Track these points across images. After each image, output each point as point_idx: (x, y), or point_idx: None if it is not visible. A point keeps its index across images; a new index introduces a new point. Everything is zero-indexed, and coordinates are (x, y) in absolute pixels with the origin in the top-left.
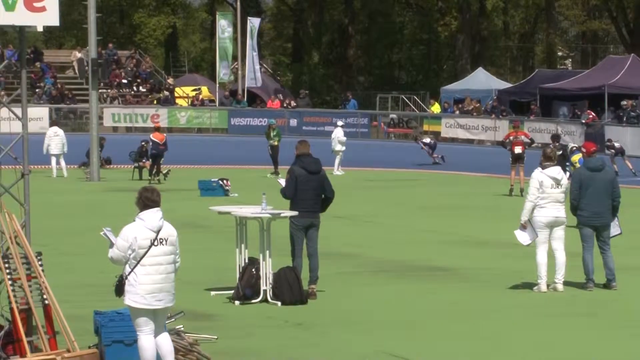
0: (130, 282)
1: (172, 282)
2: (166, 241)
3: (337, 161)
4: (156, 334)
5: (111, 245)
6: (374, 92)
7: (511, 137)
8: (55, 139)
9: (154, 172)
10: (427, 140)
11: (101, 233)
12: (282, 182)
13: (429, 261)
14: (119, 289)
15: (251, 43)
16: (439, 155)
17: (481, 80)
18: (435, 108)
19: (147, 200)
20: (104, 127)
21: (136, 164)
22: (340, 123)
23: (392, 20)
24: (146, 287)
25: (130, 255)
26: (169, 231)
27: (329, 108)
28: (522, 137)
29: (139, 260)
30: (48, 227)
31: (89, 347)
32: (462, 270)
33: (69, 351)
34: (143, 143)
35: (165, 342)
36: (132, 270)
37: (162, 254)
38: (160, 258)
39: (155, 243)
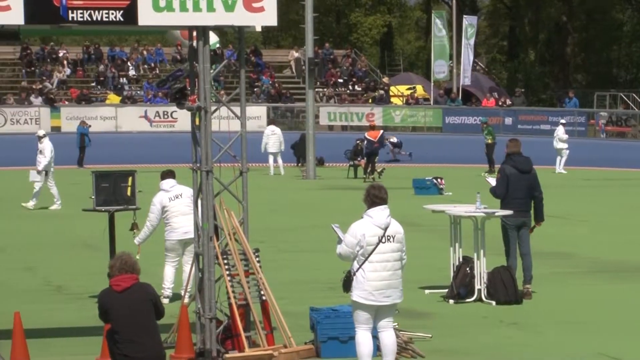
0: (358, 279)
1: (399, 279)
2: (393, 238)
3: (561, 159)
4: (382, 330)
5: (339, 241)
6: (591, 90)
7: None
8: (273, 138)
9: (368, 170)
10: (394, 140)
11: (331, 226)
12: (491, 181)
13: None
14: (347, 285)
15: (466, 41)
16: (406, 152)
17: None
18: None
19: (375, 197)
20: (320, 126)
21: (351, 162)
22: (562, 121)
23: (611, 17)
24: (374, 284)
25: (358, 251)
26: (397, 228)
27: (544, 106)
28: None
29: (367, 257)
30: (265, 224)
31: (305, 344)
32: None
33: (285, 347)
34: (358, 142)
35: (390, 340)
36: (360, 266)
37: (389, 250)
38: (388, 255)
39: (383, 240)
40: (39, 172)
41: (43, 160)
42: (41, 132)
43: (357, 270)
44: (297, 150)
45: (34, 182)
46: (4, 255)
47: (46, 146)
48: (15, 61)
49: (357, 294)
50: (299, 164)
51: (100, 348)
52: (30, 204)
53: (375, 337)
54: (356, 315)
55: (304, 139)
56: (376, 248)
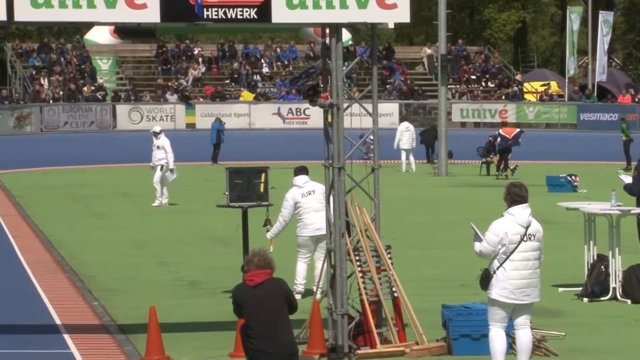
0: (499, 277)
1: (538, 278)
2: (534, 237)
3: None
4: (519, 328)
5: (476, 238)
6: None
7: None
8: (407, 134)
9: (501, 167)
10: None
11: (470, 224)
12: (625, 178)
13: None
14: (485, 283)
15: (602, 37)
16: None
17: None
18: None
19: (516, 195)
20: (452, 123)
21: (484, 159)
22: None
23: None
24: (515, 282)
25: (499, 250)
26: (537, 227)
27: None
28: None
29: (509, 255)
30: (397, 221)
31: (437, 341)
32: None
33: (417, 344)
34: (491, 138)
35: (527, 337)
36: (500, 265)
37: (530, 249)
38: (529, 254)
39: (525, 239)
40: (172, 171)
41: (170, 157)
42: (157, 128)
43: (497, 269)
44: (424, 139)
45: (156, 181)
46: (139, 251)
47: (165, 141)
48: (152, 59)
49: (497, 292)
50: (429, 160)
51: (234, 343)
52: (163, 201)
53: (508, 335)
54: (492, 313)
55: (434, 128)
56: (518, 246)
